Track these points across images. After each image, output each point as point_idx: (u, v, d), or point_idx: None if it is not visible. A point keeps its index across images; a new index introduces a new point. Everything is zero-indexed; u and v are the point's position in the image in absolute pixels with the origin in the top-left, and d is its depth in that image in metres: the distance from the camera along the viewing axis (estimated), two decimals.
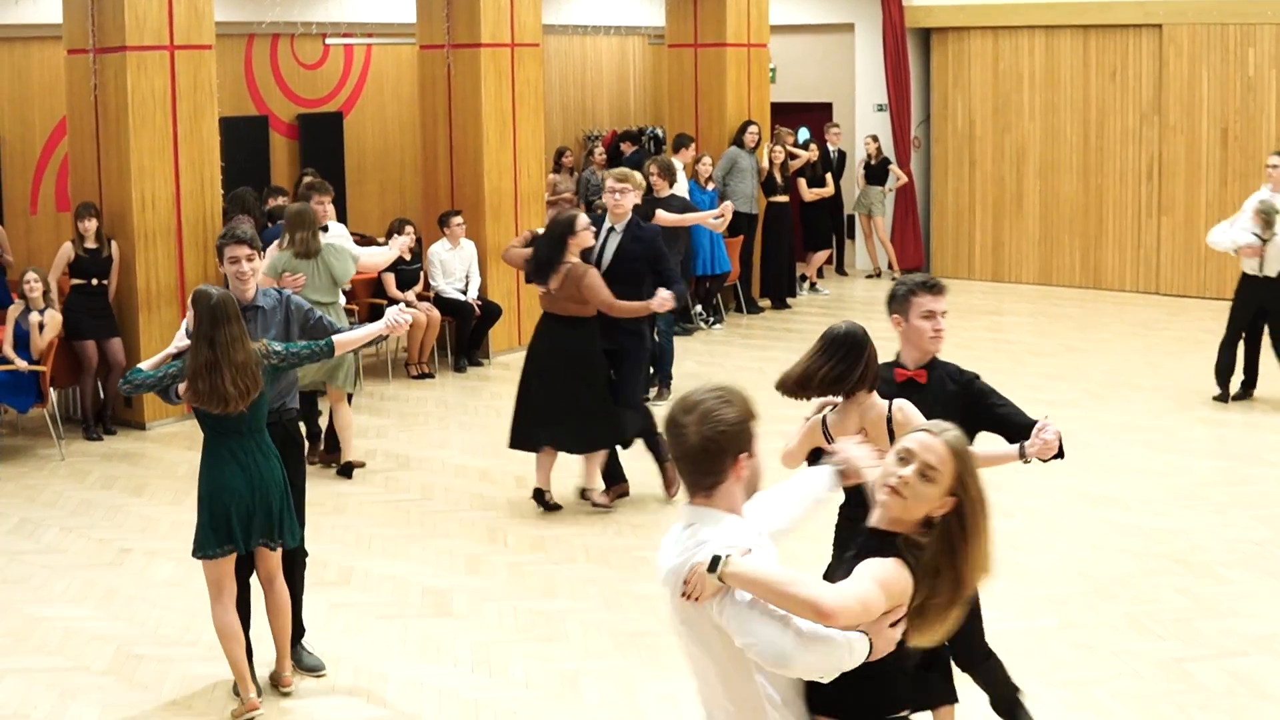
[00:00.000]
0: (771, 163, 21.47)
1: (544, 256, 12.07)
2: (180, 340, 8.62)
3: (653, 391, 16.17)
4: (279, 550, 8.76)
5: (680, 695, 8.77)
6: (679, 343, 17.90)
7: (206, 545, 8.49)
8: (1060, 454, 7.13)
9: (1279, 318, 15.41)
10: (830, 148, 23.72)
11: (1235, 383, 15.67)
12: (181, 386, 8.47)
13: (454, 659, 9.45)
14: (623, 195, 12.59)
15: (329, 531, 11.96)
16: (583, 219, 12.14)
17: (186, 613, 10.24)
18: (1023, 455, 7.12)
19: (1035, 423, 7.20)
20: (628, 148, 24.05)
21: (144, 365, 8.59)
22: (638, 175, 12.90)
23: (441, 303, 17.57)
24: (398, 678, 9.15)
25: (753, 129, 21.01)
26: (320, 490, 13.12)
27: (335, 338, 8.84)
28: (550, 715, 8.62)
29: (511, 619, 10.09)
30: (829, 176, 22.74)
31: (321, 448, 13.96)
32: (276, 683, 8.96)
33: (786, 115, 24.32)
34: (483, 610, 10.27)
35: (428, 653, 9.57)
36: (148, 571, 11.17)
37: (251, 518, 8.52)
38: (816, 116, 25.42)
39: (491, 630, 9.92)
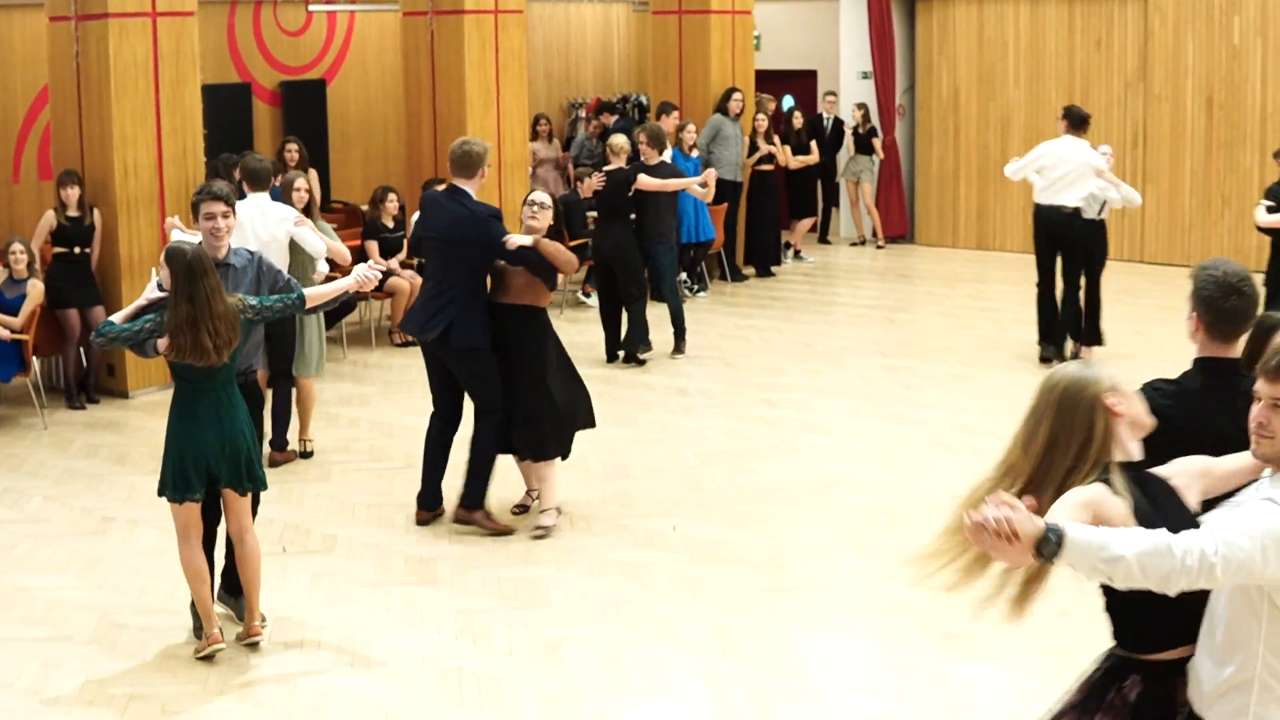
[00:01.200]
0: (755, 130, 21.45)
1: None
2: (151, 292, 8.71)
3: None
4: (248, 499, 9.02)
5: (663, 662, 8.78)
6: (662, 311, 17.97)
7: (172, 489, 8.77)
8: None
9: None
10: (825, 115, 23.73)
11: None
12: (161, 342, 8.55)
13: (437, 627, 9.45)
14: None
15: (313, 500, 11.95)
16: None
17: (170, 581, 10.21)
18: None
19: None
20: (608, 119, 24.00)
21: (115, 318, 8.70)
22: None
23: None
24: (381, 645, 9.15)
25: (737, 96, 20.97)
26: (303, 461, 13.13)
27: (306, 291, 9.10)
28: (533, 683, 8.63)
29: (495, 587, 10.09)
30: (814, 144, 22.72)
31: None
32: (247, 633, 9.12)
33: (771, 83, 24.27)
34: (466, 578, 10.27)
35: (411, 620, 9.58)
36: (131, 540, 11.16)
37: (221, 467, 8.76)
38: (801, 84, 25.40)
39: (475, 598, 9.92)
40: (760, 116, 21.59)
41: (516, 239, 10.97)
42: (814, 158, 22.68)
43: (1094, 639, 9.03)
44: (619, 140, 16.81)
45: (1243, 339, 5.81)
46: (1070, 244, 16.24)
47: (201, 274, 8.39)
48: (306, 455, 13.23)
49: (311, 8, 22.08)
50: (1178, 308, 18.35)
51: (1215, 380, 5.84)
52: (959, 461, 12.53)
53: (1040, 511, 4.76)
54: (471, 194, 11.26)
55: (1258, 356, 5.10)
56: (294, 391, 13.16)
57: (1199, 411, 5.74)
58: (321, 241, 13.02)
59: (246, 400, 9.01)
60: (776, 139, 21.89)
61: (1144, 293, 20.05)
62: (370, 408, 14.84)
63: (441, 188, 11.96)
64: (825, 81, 25.14)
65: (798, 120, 22.68)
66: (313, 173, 17.90)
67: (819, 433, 13.71)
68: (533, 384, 11.08)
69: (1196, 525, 4.80)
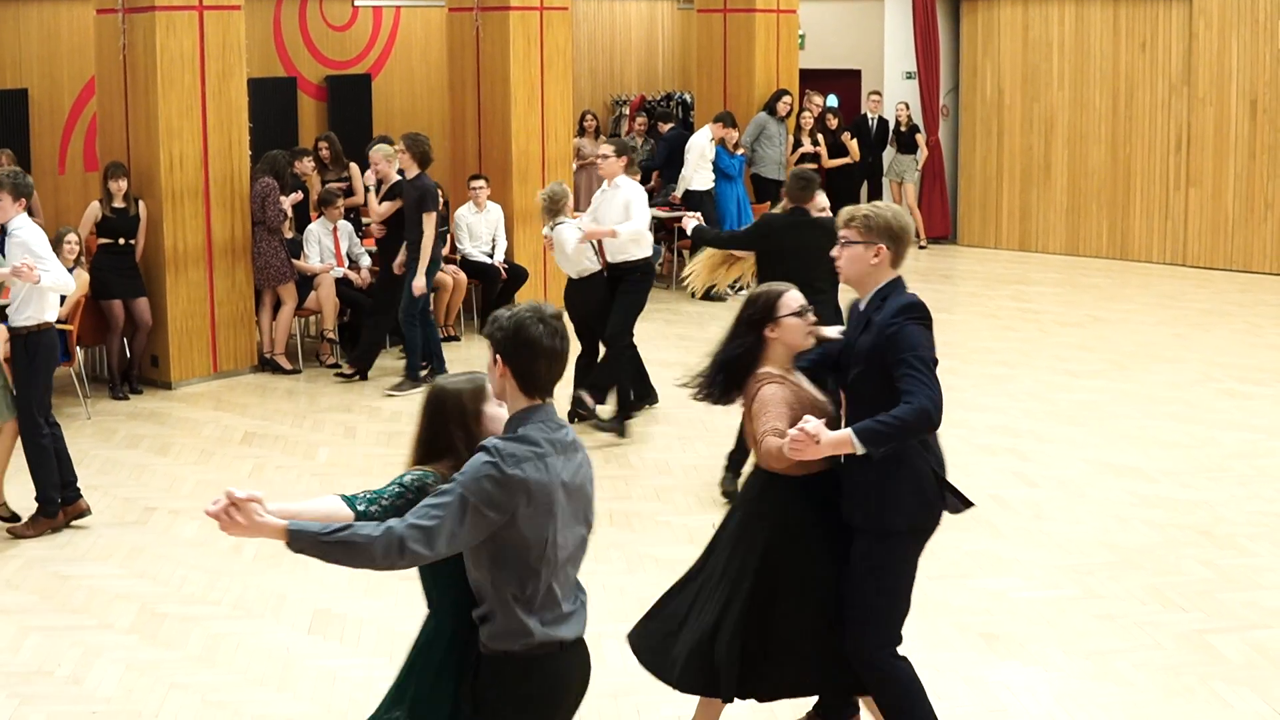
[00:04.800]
0: (800, 128, 21.45)
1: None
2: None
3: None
4: None
5: None
6: (708, 307, 18.02)
7: None
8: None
9: (598, 320, 13.87)
10: (870, 115, 23.70)
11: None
12: None
13: None
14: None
15: (352, 492, 11.96)
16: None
17: (210, 571, 10.29)
18: None
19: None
20: (664, 128, 23.93)
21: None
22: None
23: (468, 265, 17.56)
24: None
25: (786, 99, 21.01)
26: (345, 451, 13.18)
27: None
28: None
29: None
30: (854, 144, 22.67)
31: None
32: None
33: (815, 82, 24.24)
34: None
35: None
36: (172, 530, 11.21)
37: None
38: (845, 84, 25.36)
39: None
40: (806, 115, 21.60)
41: None
42: (852, 157, 22.62)
43: (1131, 642, 9.06)
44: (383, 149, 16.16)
45: None
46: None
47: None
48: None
49: (357, 3, 22.14)
50: (1221, 311, 18.46)
51: None
52: (999, 463, 12.50)
53: None
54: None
55: None
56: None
57: None
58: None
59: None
60: (820, 137, 21.87)
61: (1186, 296, 19.98)
62: (414, 400, 14.85)
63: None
64: (869, 81, 25.11)
65: (832, 121, 22.61)
66: (354, 167, 17.97)
67: None
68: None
69: None
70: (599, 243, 13.78)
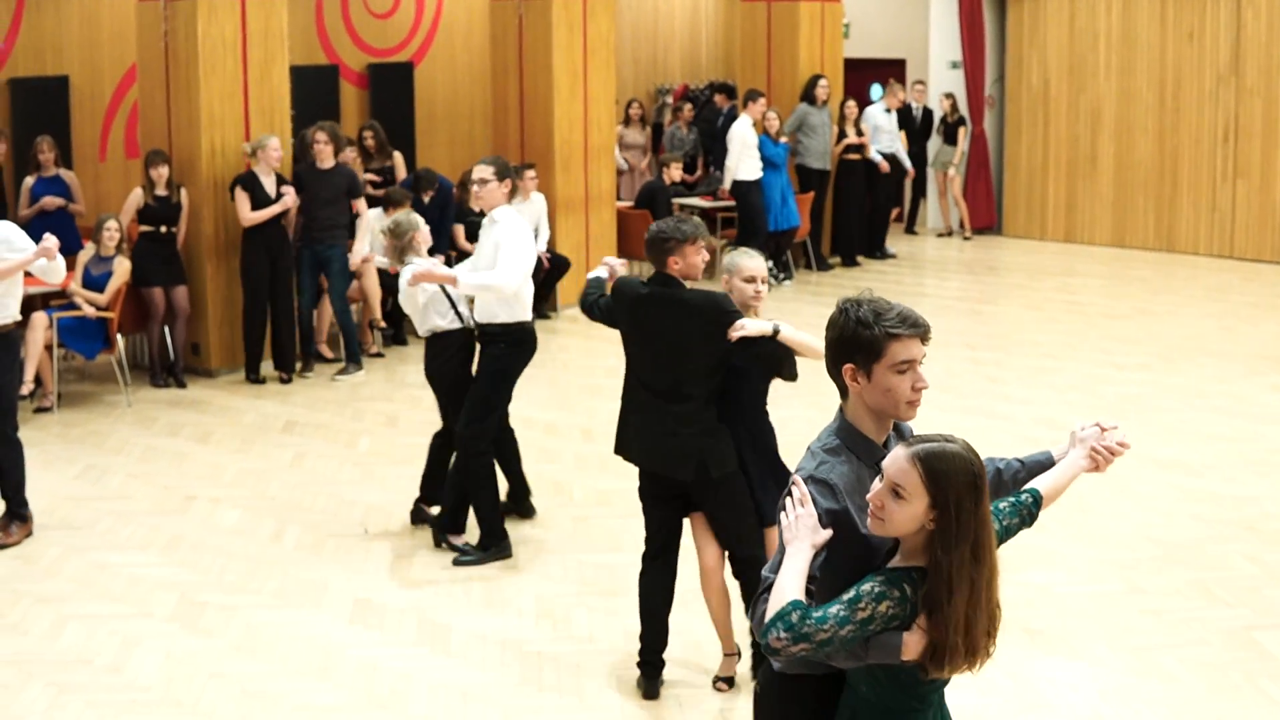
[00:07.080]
0: (845, 117, 21.35)
1: None
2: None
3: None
4: None
5: (743, 650, 8.73)
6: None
7: None
8: None
9: (450, 399, 10.76)
10: (914, 105, 23.58)
11: None
12: (913, 641, 4.62)
13: (518, 611, 9.43)
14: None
15: (394, 482, 11.95)
16: None
17: (250, 560, 10.27)
18: None
19: None
20: (723, 101, 23.89)
21: (793, 590, 4.66)
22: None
23: None
24: (461, 629, 9.14)
25: (823, 84, 20.87)
26: (387, 440, 13.15)
27: None
28: (613, 669, 8.60)
29: (576, 573, 10.06)
30: (902, 135, 22.57)
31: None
32: None
33: (859, 71, 24.18)
34: (547, 563, 10.25)
35: (492, 605, 9.56)
36: (212, 519, 11.19)
37: None
38: (890, 73, 25.27)
39: (555, 583, 9.90)
40: (851, 103, 21.50)
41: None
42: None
43: (1176, 638, 8.97)
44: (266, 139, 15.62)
45: None
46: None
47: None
48: None
49: None
50: (1269, 304, 18.30)
51: None
52: None
53: None
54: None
55: None
56: None
57: None
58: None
59: None
60: (865, 127, 21.76)
61: (1233, 289, 19.84)
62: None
63: None
64: (914, 71, 25.03)
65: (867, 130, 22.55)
66: (398, 156, 17.94)
67: None
68: None
69: None
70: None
